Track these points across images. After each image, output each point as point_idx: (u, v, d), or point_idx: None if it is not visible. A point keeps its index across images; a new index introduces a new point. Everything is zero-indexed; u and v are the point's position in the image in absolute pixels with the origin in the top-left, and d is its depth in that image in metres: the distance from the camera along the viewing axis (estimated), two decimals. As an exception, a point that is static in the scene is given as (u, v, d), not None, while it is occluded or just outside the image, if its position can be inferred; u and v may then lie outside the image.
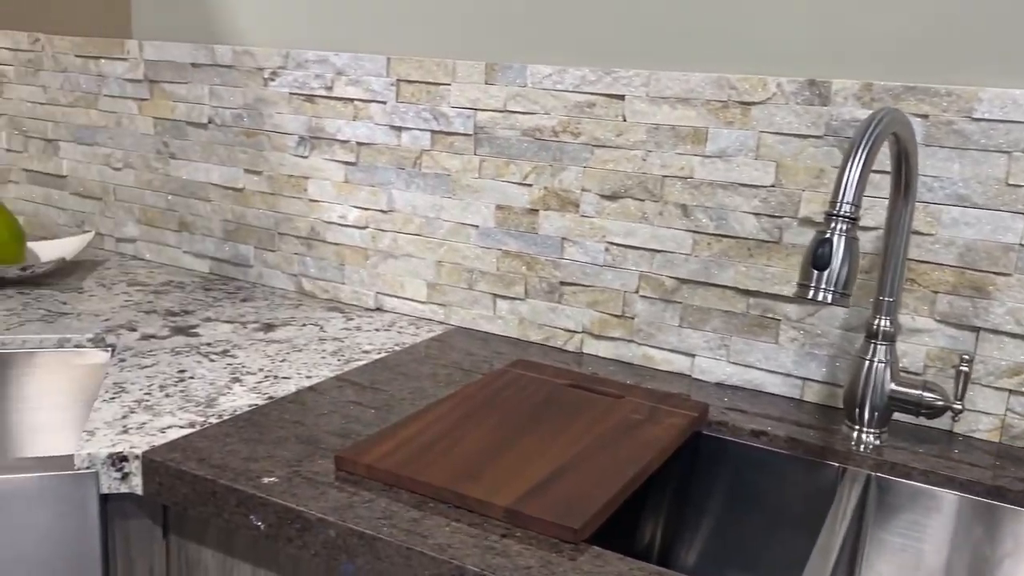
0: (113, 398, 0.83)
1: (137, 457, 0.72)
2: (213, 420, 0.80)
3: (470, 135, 1.08)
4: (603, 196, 1.01)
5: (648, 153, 0.98)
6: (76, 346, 1.00)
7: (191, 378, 0.89)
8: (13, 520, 0.71)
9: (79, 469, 0.72)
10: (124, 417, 0.79)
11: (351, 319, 1.14)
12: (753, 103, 0.92)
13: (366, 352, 1.01)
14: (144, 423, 0.78)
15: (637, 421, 0.83)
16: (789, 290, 0.93)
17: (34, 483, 0.71)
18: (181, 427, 0.78)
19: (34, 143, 1.47)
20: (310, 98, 1.18)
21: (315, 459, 0.74)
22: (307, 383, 0.90)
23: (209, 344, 1.00)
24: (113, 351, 0.98)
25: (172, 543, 0.76)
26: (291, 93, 1.19)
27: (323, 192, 1.20)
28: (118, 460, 0.72)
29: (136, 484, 0.73)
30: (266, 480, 0.69)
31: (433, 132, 1.11)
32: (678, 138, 0.96)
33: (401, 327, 1.12)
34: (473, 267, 1.11)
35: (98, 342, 1.00)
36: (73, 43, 1.38)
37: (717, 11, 0.93)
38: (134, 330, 1.03)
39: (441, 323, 1.15)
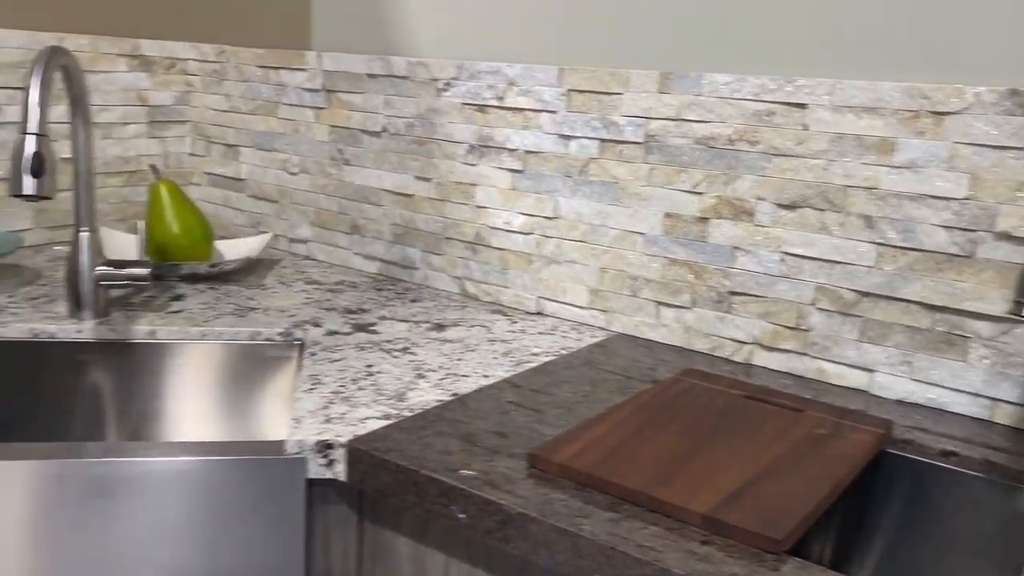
0: (311, 389, 0.89)
1: (342, 445, 0.77)
2: (406, 413, 0.84)
3: (640, 143, 1.09)
4: (780, 205, 1.00)
5: (830, 163, 0.96)
6: (267, 339, 1.07)
7: (379, 373, 0.94)
8: (224, 498, 0.77)
9: (290, 454, 0.77)
10: (325, 407, 0.84)
11: (515, 322, 1.17)
12: (947, 113, 0.89)
13: (535, 355, 1.04)
14: (344, 413, 0.83)
15: (822, 436, 0.82)
16: (981, 307, 0.89)
17: (247, 465, 0.77)
18: (377, 419, 0.82)
19: (216, 148, 1.57)
20: (481, 108, 1.22)
21: (503, 456, 0.76)
22: (485, 382, 0.93)
23: (389, 341, 1.05)
24: (302, 345, 1.04)
25: (366, 529, 0.81)
26: (463, 103, 1.24)
27: (490, 199, 1.23)
28: (324, 447, 0.77)
29: (339, 471, 0.77)
30: (464, 473, 0.72)
31: (602, 140, 1.12)
32: (863, 148, 0.94)
33: (564, 332, 1.14)
34: (638, 274, 1.12)
35: (287, 336, 1.07)
36: (256, 54, 1.47)
37: (907, 17, 0.91)
38: (319, 326, 1.09)
39: (602, 329, 1.16)
